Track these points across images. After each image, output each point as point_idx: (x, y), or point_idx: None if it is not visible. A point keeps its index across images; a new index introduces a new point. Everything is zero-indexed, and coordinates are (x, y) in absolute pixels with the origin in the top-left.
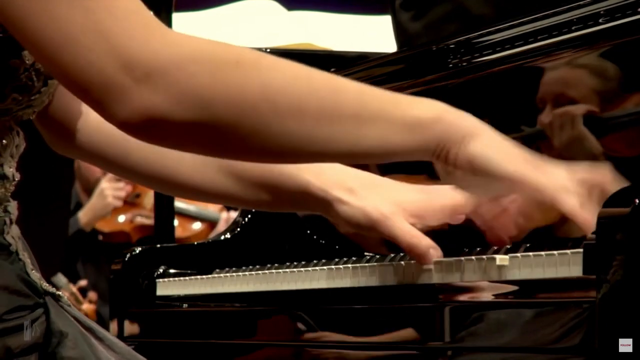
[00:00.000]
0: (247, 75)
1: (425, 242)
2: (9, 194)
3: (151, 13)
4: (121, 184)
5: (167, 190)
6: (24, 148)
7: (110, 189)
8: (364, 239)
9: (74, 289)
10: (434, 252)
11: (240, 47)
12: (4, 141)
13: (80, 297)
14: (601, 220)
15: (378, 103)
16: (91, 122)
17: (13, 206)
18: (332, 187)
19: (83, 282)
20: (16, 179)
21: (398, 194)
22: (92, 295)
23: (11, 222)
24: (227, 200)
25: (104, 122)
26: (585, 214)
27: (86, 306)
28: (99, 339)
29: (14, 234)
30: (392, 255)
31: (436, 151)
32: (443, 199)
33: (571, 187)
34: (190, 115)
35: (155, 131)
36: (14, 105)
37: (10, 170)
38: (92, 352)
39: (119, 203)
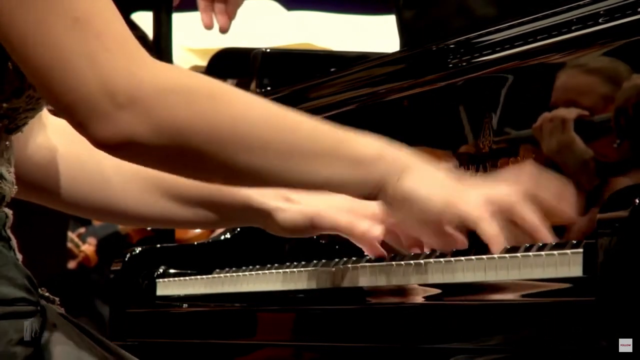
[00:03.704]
0: (219, 109)
1: (364, 224)
2: (7, 196)
3: (137, 42)
4: None
5: (114, 221)
6: None
7: None
8: None
9: (74, 235)
10: (373, 229)
11: (216, 81)
12: (7, 143)
13: (79, 241)
14: (601, 220)
15: (329, 141)
16: (29, 156)
17: (10, 213)
18: (271, 198)
19: (82, 229)
20: (14, 188)
21: (332, 198)
22: (91, 240)
23: (10, 225)
24: (174, 224)
25: (41, 156)
26: (499, 243)
27: (86, 247)
28: (96, 340)
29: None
30: (393, 255)
31: (378, 186)
32: (371, 207)
33: (489, 212)
34: (164, 142)
35: (131, 152)
36: (24, 104)
37: (9, 175)
38: (87, 348)
39: None
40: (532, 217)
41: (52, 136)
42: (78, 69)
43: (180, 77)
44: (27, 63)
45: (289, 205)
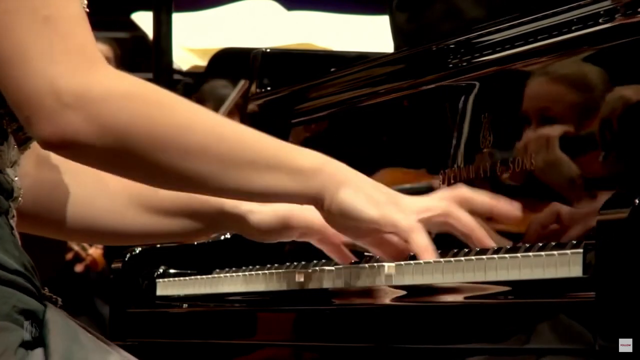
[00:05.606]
0: (162, 115)
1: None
2: (15, 191)
3: (97, 49)
4: None
5: (96, 241)
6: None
7: None
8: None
9: None
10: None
11: (165, 91)
12: (14, 149)
13: (86, 244)
14: (601, 220)
15: (270, 151)
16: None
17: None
18: (243, 202)
19: None
20: (21, 192)
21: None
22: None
23: (13, 216)
24: (156, 238)
25: (23, 182)
26: (429, 253)
27: (93, 250)
28: (97, 337)
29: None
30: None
31: (316, 198)
32: None
33: (423, 220)
34: (107, 143)
35: (75, 152)
36: None
37: (16, 179)
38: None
39: None
40: (466, 218)
41: (31, 163)
42: (35, 66)
43: (130, 84)
44: None
45: (262, 207)
